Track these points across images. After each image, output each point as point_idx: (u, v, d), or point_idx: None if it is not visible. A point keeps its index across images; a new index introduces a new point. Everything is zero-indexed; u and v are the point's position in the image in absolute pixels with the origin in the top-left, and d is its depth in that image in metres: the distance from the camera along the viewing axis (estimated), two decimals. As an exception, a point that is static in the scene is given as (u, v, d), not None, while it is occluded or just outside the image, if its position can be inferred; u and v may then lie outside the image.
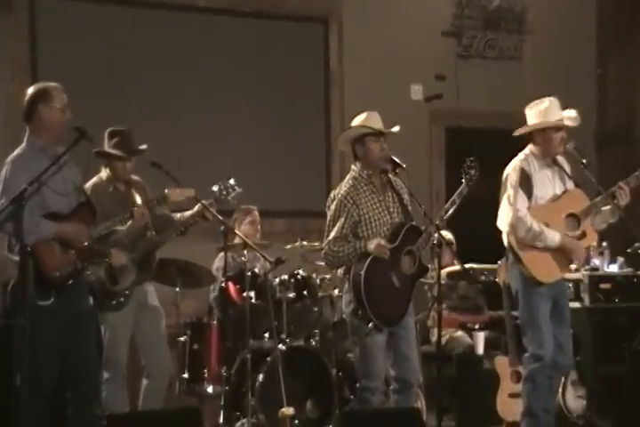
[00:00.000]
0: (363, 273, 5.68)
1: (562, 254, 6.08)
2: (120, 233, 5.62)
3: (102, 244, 5.45)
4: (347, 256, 5.77)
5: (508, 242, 6.14)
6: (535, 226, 5.99)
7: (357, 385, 5.95)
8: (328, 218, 5.90)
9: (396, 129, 5.90)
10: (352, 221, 5.82)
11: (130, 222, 5.64)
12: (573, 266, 7.59)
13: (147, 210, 5.80)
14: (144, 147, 6.20)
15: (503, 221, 6.09)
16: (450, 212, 5.91)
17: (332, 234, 5.82)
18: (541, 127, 6.12)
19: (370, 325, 5.70)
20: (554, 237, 6.01)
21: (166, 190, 5.96)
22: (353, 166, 5.98)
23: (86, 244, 5.07)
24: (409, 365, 5.84)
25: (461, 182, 5.94)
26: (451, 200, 5.93)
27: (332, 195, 5.95)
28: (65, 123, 5.08)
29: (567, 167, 6.24)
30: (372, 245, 5.71)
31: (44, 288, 4.87)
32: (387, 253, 5.71)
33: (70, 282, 5.00)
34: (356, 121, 5.95)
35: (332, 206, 5.88)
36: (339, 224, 5.83)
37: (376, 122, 5.90)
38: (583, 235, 6.13)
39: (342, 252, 5.78)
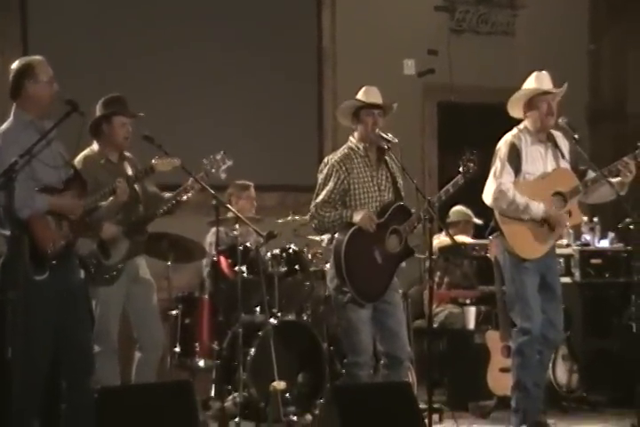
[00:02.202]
0: (344, 242, 5.70)
1: (544, 230, 6.08)
2: (103, 209, 5.58)
3: (89, 218, 5.42)
4: (332, 223, 5.78)
5: (494, 217, 6.16)
6: (518, 198, 6.00)
7: (345, 361, 5.98)
8: (318, 181, 5.92)
9: (379, 99, 5.91)
10: (342, 188, 5.84)
11: (112, 198, 5.60)
12: (564, 241, 7.65)
13: (130, 185, 5.76)
14: (141, 114, 6.19)
15: (488, 194, 6.10)
16: (443, 198, 5.91)
17: (320, 197, 5.84)
18: (525, 95, 6.12)
19: (347, 295, 5.73)
20: (538, 208, 6.02)
21: (153, 161, 5.95)
22: (350, 137, 6.00)
23: (79, 216, 5.07)
24: (397, 341, 5.85)
25: (458, 172, 5.92)
26: (444, 189, 5.92)
27: (325, 160, 5.99)
28: (52, 95, 5.06)
29: (564, 146, 6.22)
30: (358, 216, 5.72)
31: (39, 263, 4.86)
32: (372, 226, 5.73)
33: (63, 256, 4.99)
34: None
35: (325, 170, 5.90)
36: (328, 188, 5.84)
37: (373, 96, 5.91)
38: (569, 214, 6.14)
39: (328, 218, 5.79)
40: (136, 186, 6.10)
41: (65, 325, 4.98)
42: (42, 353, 4.90)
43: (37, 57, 5.16)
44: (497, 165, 6.09)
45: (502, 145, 6.16)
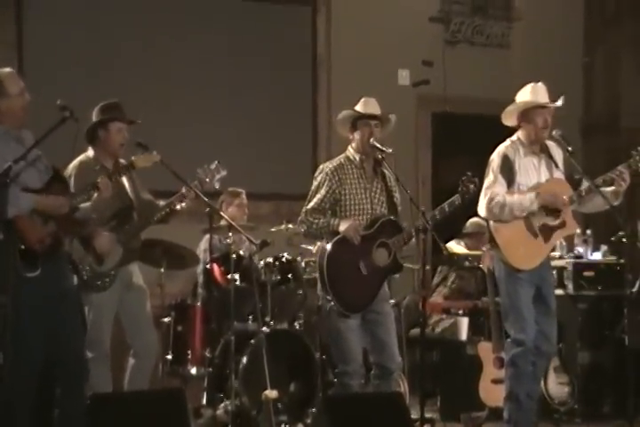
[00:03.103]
0: (327, 251, 5.74)
1: (538, 241, 6.06)
2: (88, 207, 5.53)
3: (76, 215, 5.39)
4: (319, 229, 5.82)
5: (488, 228, 6.16)
6: (509, 199, 5.98)
7: (336, 370, 5.97)
8: (312, 187, 5.96)
9: (376, 111, 5.93)
10: (332, 197, 5.88)
11: (96, 195, 5.55)
12: (557, 253, 7.65)
13: (113, 180, 5.71)
14: (139, 121, 6.18)
15: (482, 206, 6.09)
16: (437, 217, 5.89)
17: (311, 204, 5.90)
18: (521, 107, 6.11)
19: (330, 304, 5.74)
20: (530, 199, 5.99)
21: (132, 157, 5.90)
22: (349, 147, 6.02)
23: (65, 213, 5.06)
24: (387, 351, 5.86)
25: (457, 192, 5.91)
26: (440, 207, 5.91)
27: (320, 167, 6.04)
28: (25, 107, 5.06)
29: (558, 156, 6.21)
30: (344, 226, 5.74)
31: (30, 260, 4.86)
32: (357, 237, 5.74)
33: (52, 254, 4.98)
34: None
35: (318, 178, 5.95)
36: (319, 196, 5.89)
37: (370, 107, 5.95)
38: (563, 224, 6.13)
39: (316, 224, 5.83)
40: (131, 195, 6.08)
41: (58, 329, 4.97)
42: (33, 355, 4.88)
43: (6, 69, 5.16)
44: (489, 177, 6.08)
45: (495, 156, 6.15)
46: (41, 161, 5.12)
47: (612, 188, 6.01)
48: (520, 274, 6.04)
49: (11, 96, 5.02)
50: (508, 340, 6.16)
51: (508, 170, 6.07)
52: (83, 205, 5.41)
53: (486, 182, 6.07)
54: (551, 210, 6.06)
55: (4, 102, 5.02)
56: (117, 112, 6.15)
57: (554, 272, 7.56)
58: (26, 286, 4.77)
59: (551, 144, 6.22)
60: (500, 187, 6.04)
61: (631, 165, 6.00)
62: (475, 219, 8.06)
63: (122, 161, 6.21)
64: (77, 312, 5.30)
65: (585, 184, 6.07)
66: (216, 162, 6.21)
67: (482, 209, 6.09)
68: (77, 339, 5.14)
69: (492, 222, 6.12)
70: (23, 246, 4.85)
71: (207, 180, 6.14)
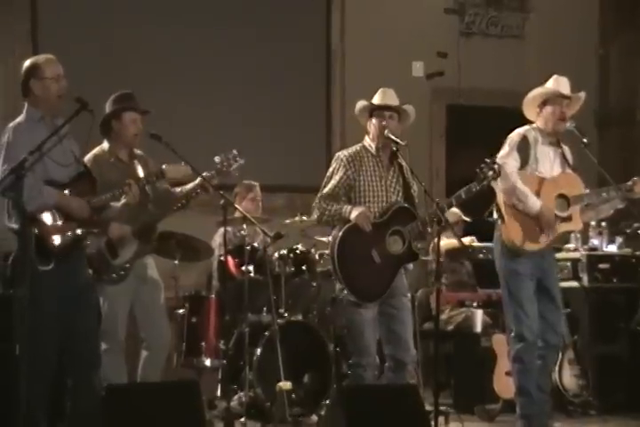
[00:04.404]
0: (338, 237, 5.72)
1: (537, 227, 6.06)
2: (114, 209, 5.53)
3: (98, 215, 5.40)
4: (332, 216, 5.80)
5: (496, 203, 6.11)
6: (520, 185, 5.95)
7: (350, 362, 5.97)
8: (327, 173, 5.96)
9: (393, 101, 5.92)
10: (347, 183, 5.86)
11: (123, 201, 5.56)
12: (572, 245, 7.64)
13: (140, 188, 5.71)
14: (152, 111, 6.19)
15: None
16: (454, 204, 5.87)
17: (325, 190, 5.88)
18: (543, 95, 6.10)
19: (344, 292, 5.73)
20: (535, 202, 5.98)
21: (164, 166, 5.90)
22: (366, 137, 6.02)
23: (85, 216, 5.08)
24: (402, 344, 5.84)
25: (473, 179, 5.75)
26: (456, 194, 5.80)
27: (337, 154, 6.02)
28: (60, 92, 5.08)
29: (569, 156, 6.22)
30: (355, 213, 5.72)
31: (45, 254, 4.87)
32: (368, 224, 5.71)
33: (71, 250, 5.00)
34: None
35: (334, 164, 5.95)
36: (333, 182, 5.88)
37: (386, 98, 5.94)
38: (569, 218, 6.11)
39: (329, 211, 5.81)
40: (147, 187, 6.07)
41: (71, 322, 4.99)
42: (48, 346, 4.91)
43: (46, 55, 5.22)
44: (505, 149, 6.05)
45: (514, 135, 6.11)
46: (70, 151, 5.14)
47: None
48: (520, 266, 6.00)
49: (45, 79, 5.05)
50: (511, 335, 6.13)
51: (524, 149, 6.05)
52: (114, 204, 5.43)
53: (500, 154, 6.02)
54: (540, 222, 6.03)
55: (37, 84, 5.06)
56: (131, 102, 6.13)
57: (568, 264, 7.60)
58: (40, 279, 4.78)
59: (566, 148, 6.21)
60: (513, 161, 6.01)
61: None
62: (451, 209, 7.96)
63: (138, 152, 6.21)
64: (92, 306, 5.30)
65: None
66: (234, 151, 6.18)
67: None
68: (90, 333, 5.15)
69: (501, 195, 6.06)
70: (40, 240, 4.87)
71: (224, 169, 6.11)
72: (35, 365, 4.64)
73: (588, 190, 6.13)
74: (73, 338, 5.02)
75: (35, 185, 4.82)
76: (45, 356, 4.89)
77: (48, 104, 5.09)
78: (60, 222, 4.98)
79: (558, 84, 6.13)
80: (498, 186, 6.00)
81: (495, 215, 6.14)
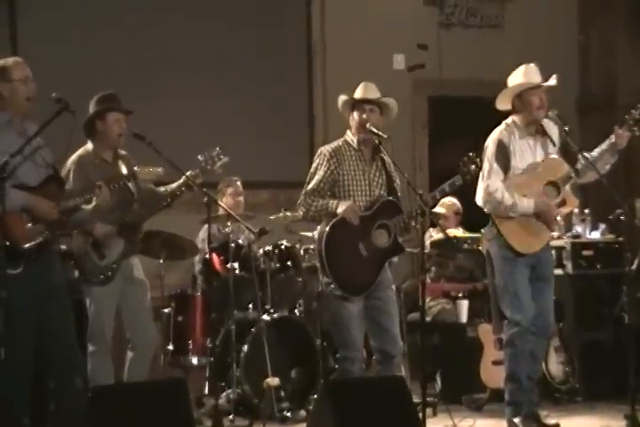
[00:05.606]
0: (325, 232, 5.74)
1: (540, 225, 6.11)
2: (85, 212, 5.51)
3: (68, 217, 5.37)
4: (318, 212, 5.83)
5: (488, 215, 6.18)
6: (507, 199, 6.02)
7: (337, 356, 6.00)
8: (311, 170, 5.97)
9: (373, 95, 5.94)
10: (331, 178, 5.88)
11: (94, 203, 5.54)
12: (555, 233, 7.66)
13: (121, 187, 5.70)
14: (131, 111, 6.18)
15: (479, 198, 6.13)
16: (438, 197, 5.96)
17: (310, 186, 5.90)
18: (515, 90, 6.13)
19: (331, 286, 5.74)
20: (528, 205, 6.04)
21: (135, 168, 5.88)
22: (348, 131, 6.04)
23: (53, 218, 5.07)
24: (389, 336, 5.87)
25: (456, 172, 5.89)
26: (440, 188, 5.90)
27: (319, 150, 6.05)
28: (28, 94, 5.08)
29: (554, 132, 6.25)
30: (342, 207, 5.75)
31: (13, 257, 4.88)
32: (355, 218, 5.74)
33: (40, 252, 5.00)
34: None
35: (316, 160, 5.97)
36: (317, 177, 5.90)
37: (365, 92, 5.96)
38: (563, 202, 6.17)
39: (315, 206, 5.83)
40: (130, 185, 6.03)
41: (46, 325, 5.00)
42: (21, 351, 4.91)
43: (14, 58, 5.21)
44: (485, 166, 6.10)
45: (490, 142, 6.17)
46: (40, 155, 5.13)
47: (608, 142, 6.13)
48: (514, 252, 6.07)
49: (12, 81, 5.05)
50: (506, 321, 6.19)
51: (502, 156, 6.10)
52: (85, 207, 5.42)
53: (483, 171, 6.09)
54: (542, 218, 6.10)
55: (5, 87, 5.05)
56: (114, 103, 6.13)
57: (552, 252, 7.61)
58: (10, 282, 4.79)
59: (547, 122, 6.24)
60: (496, 176, 6.06)
61: (628, 120, 6.10)
62: (446, 199, 7.99)
63: (122, 152, 6.20)
64: (67, 309, 5.26)
65: (581, 159, 6.12)
66: (217, 148, 6.18)
67: (479, 200, 6.14)
68: (67, 335, 5.15)
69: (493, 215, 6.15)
70: (7, 241, 4.86)
71: (208, 167, 6.12)
72: (12, 368, 4.65)
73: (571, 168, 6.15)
74: (46, 340, 5.03)
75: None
76: (19, 358, 4.89)
77: (16, 107, 5.09)
78: (28, 225, 4.99)
79: (528, 74, 6.14)
80: (488, 208, 6.09)
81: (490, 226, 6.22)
